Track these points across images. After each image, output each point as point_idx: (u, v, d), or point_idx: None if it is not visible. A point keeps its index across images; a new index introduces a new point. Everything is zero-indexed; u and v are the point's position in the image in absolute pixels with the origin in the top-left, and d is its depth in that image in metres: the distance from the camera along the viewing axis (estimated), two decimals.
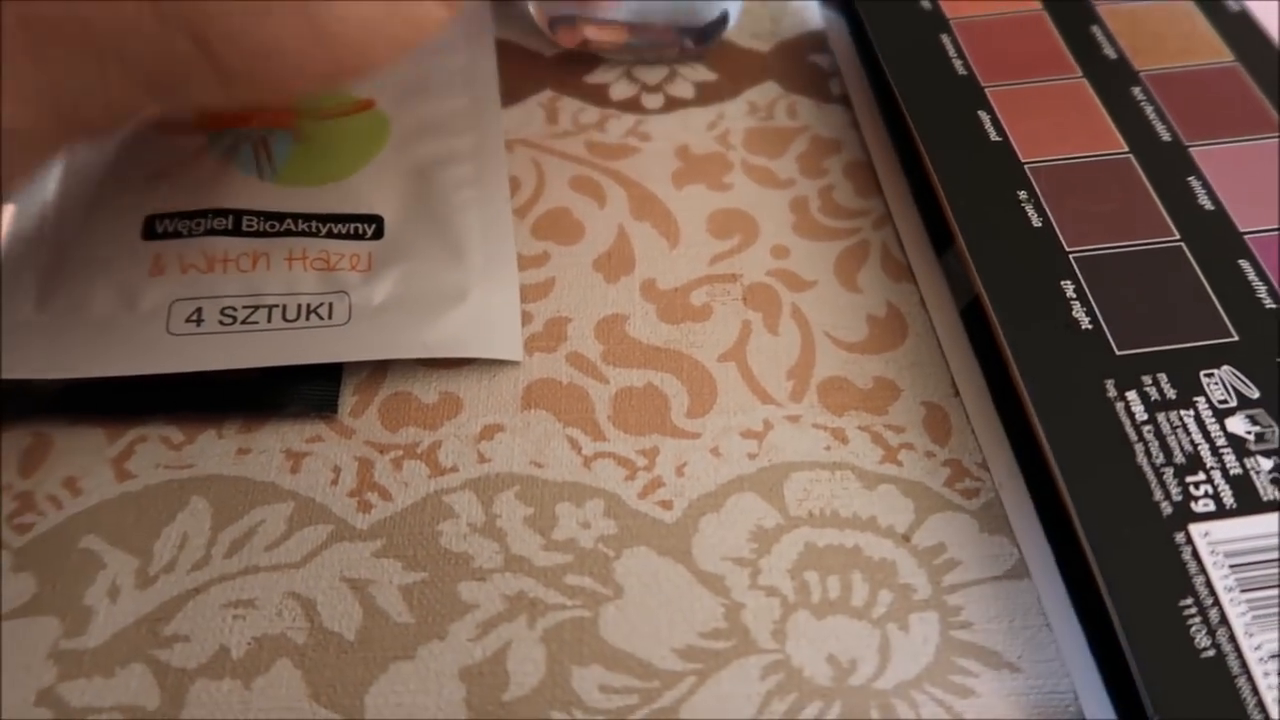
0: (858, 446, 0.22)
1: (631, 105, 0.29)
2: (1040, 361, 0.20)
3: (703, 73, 0.30)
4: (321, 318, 0.22)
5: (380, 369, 0.23)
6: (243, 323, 0.22)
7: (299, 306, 0.22)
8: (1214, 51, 0.25)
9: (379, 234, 0.24)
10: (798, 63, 0.30)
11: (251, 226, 0.23)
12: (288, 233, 0.23)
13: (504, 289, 0.24)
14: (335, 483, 0.22)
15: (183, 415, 0.22)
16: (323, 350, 0.22)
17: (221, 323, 0.22)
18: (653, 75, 0.30)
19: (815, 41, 0.31)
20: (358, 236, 0.23)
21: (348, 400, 0.23)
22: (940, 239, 0.25)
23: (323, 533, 0.21)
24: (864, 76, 0.29)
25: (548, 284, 0.25)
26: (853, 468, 0.22)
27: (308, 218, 0.23)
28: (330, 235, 0.23)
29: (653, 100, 0.29)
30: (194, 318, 0.22)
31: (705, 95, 0.29)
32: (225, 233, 0.23)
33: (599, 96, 0.29)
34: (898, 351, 0.24)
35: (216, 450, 0.22)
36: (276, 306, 0.22)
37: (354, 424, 0.22)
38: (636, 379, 0.23)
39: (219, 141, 0.25)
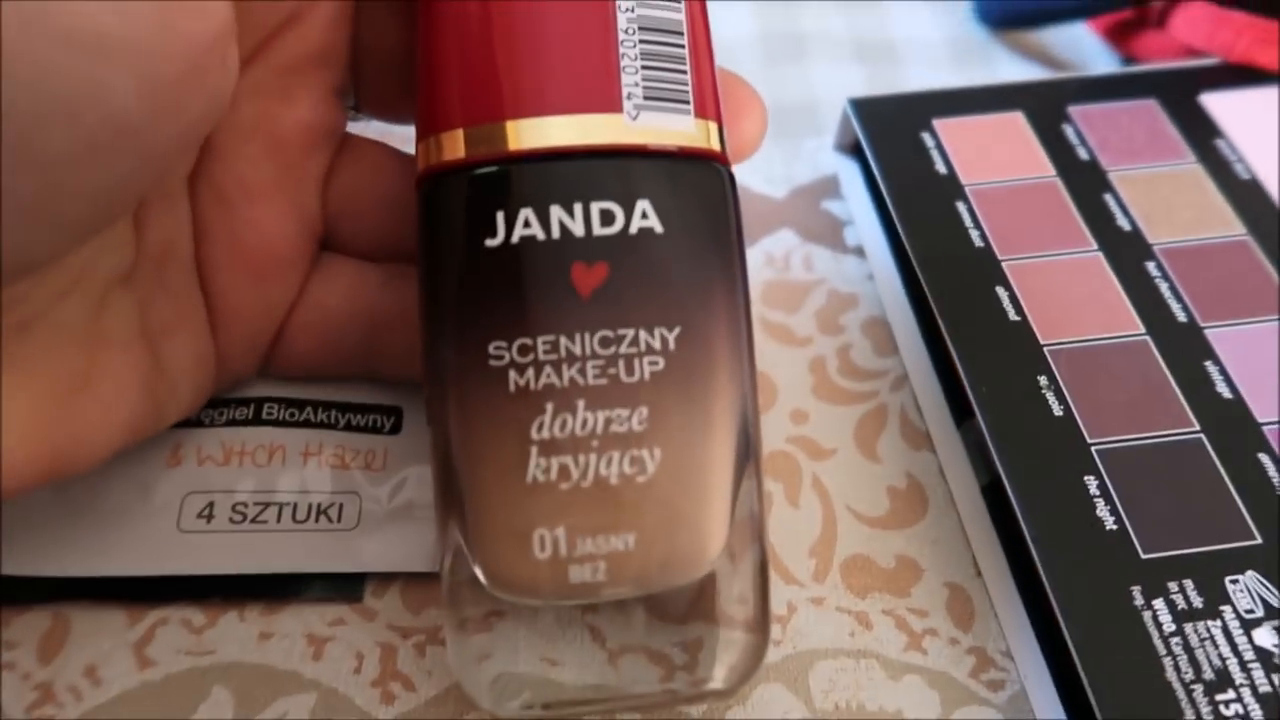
0: (882, 632, 0.22)
1: None
2: (1066, 567, 0.20)
3: None
4: (331, 520, 0.22)
5: None
6: (252, 521, 0.22)
7: (309, 506, 0.22)
8: (1224, 223, 0.26)
9: (396, 428, 0.24)
10: (812, 210, 0.31)
11: (271, 415, 0.23)
12: (306, 423, 0.23)
13: None
14: (358, 671, 0.21)
15: (202, 601, 0.22)
16: (329, 559, 0.22)
17: (232, 520, 0.22)
18: None
19: (829, 187, 0.31)
20: (375, 430, 0.23)
21: (369, 579, 0.23)
22: (959, 404, 0.25)
23: None
24: (878, 227, 0.29)
25: None
26: (877, 656, 0.22)
27: (328, 406, 0.23)
28: (349, 428, 0.23)
29: None
30: (205, 513, 0.22)
31: None
32: (245, 423, 0.23)
33: None
34: (919, 527, 0.24)
35: (238, 634, 0.22)
36: (287, 505, 0.22)
37: (376, 605, 0.22)
38: None
39: None
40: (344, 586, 0.22)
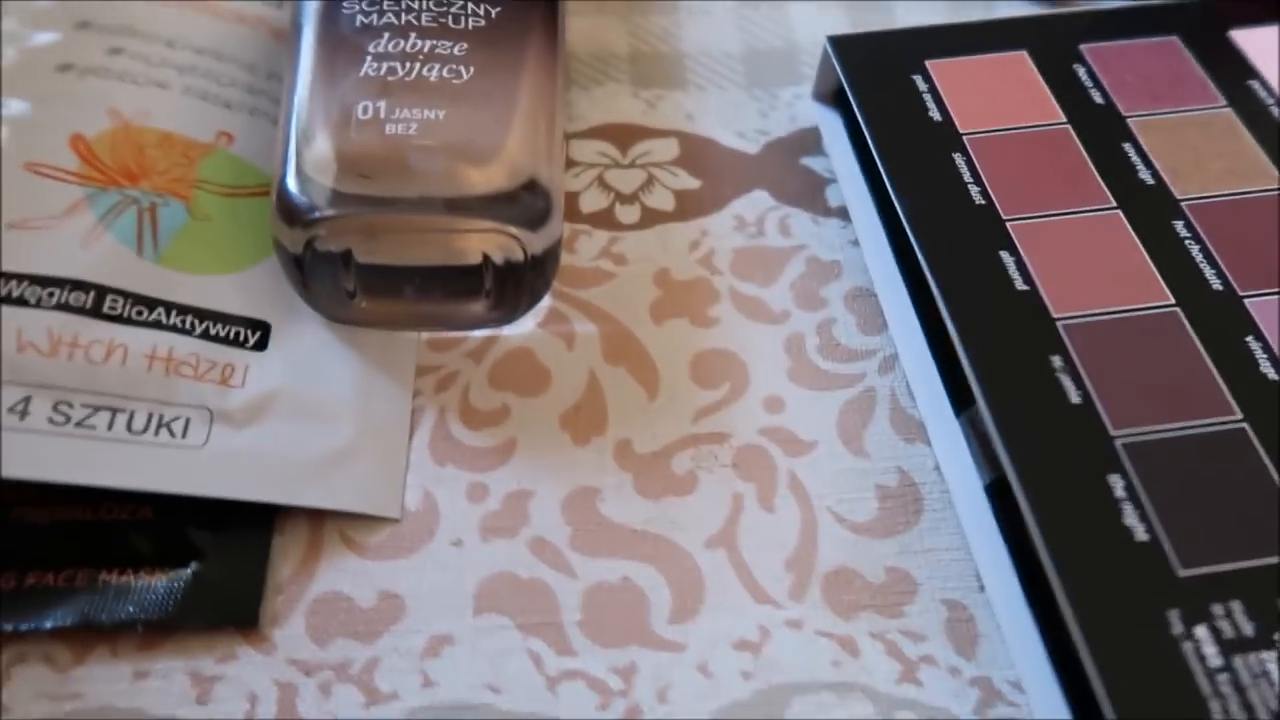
0: (870, 660, 0.19)
1: (604, 219, 0.26)
2: (1087, 583, 0.17)
3: (684, 179, 0.27)
4: (173, 434, 0.19)
5: (309, 562, 0.20)
6: (77, 425, 0.19)
7: (149, 416, 0.19)
8: (1263, 175, 0.22)
9: (262, 344, 0.21)
10: (789, 167, 0.27)
11: (115, 309, 0.20)
12: (156, 324, 0.20)
13: (392, 432, 0.21)
14: (250, 717, 0.18)
15: (70, 631, 0.19)
16: (165, 477, 0.19)
17: (52, 421, 0.18)
18: (627, 183, 0.26)
19: (809, 140, 0.28)
20: (237, 343, 0.21)
21: (269, 601, 0.19)
22: (958, 389, 0.22)
23: None
24: (865, 185, 0.26)
25: (507, 446, 0.22)
26: (865, 689, 0.19)
27: (184, 310, 0.20)
28: (206, 336, 0.20)
29: (628, 214, 0.26)
30: (18, 409, 0.18)
31: (687, 207, 0.26)
32: (81, 311, 0.19)
33: (567, 208, 0.26)
34: (912, 533, 0.20)
35: (109, 674, 0.18)
36: (122, 412, 0.19)
37: (275, 634, 0.19)
38: (610, 572, 0.20)
39: (100, 200, 0.21)
40: (238, 613, 0.19)
